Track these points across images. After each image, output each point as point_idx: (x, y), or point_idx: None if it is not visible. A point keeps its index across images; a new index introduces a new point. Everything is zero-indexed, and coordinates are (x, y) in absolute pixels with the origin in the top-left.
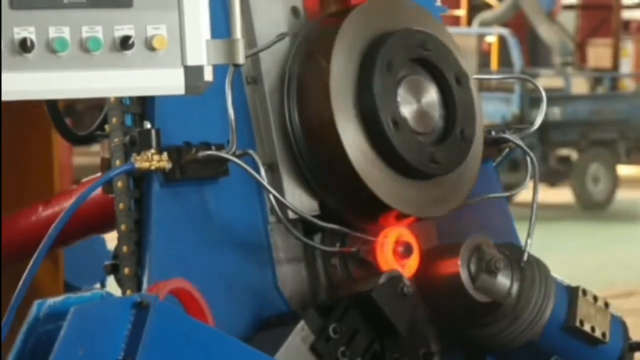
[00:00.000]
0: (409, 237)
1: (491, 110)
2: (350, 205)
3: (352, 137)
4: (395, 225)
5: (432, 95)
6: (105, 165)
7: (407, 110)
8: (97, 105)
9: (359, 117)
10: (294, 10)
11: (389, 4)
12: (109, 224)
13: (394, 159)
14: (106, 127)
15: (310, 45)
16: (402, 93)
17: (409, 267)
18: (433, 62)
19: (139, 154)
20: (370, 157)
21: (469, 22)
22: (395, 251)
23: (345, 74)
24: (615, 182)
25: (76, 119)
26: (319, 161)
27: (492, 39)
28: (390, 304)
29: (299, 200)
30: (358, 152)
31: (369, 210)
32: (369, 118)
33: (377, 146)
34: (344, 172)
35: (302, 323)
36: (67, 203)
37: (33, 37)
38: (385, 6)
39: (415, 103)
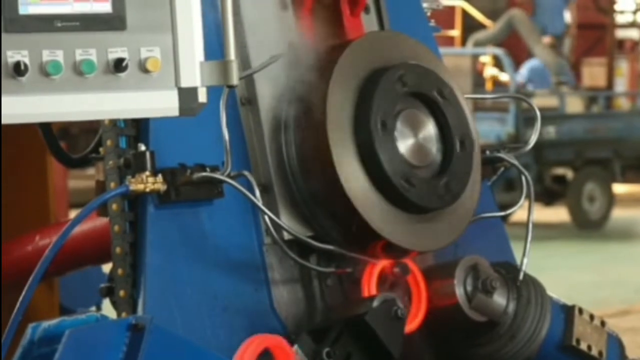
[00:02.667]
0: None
1: (486, 130)
2: (344, 238)
3: (350, 173)
4: (396, 258)
5: (429, 129)
6: (100, 188)
7: (404, 144)
8: (91, 128)
9: (357, 153)
10: (291, 44)
11: (386, 38)
12: (105, 257)
13: (396, 197)
14: (101, 149)
15: (308, 79)
16: (399, 127)
17: (415, 318)
18: (445, 116)
19: (133, 176)
20: (370, 193)
21: (463, 43)
22: (391, 271)
23: (343, 109)
24: (611, 200)
25: (71, 142)
26: (314, 194)
27: (486, 59)
28: (384, 327)
29: (294, 221)
30: (357, 188)
31: (365, 244)
32: (368, 155)
33: (376, 183)
34: (343, 207)
35: (295, 347)
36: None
37: (27, 60)
38: (383, 41)
39: (412, 137)
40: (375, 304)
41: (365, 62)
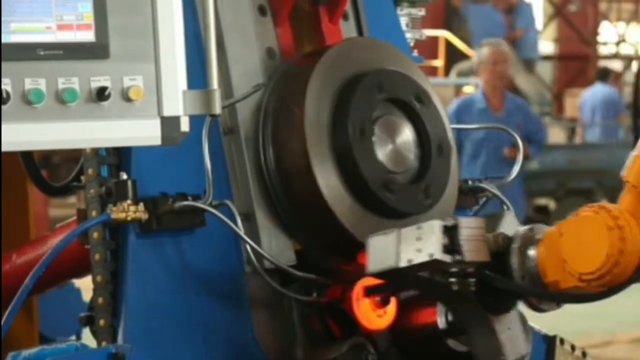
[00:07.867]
0: None
1: None
2: (328, 247)
3: (328, 179)
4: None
5: (407, 135)
6: (82, 216)
7: (382, 150)
8: (73, 157)
9: (335, 159)
10: (269, 51)
11: (364, 44)
12: (81, 270)
13: (375, 203)
14: (82, 178)
15: (285, 88)
16: (377, 133)
17: (387, 316)
18: (422, 121)
19: (115, 204)
20: (346, 197)
21: (447, 73)
22: (372, 299)
23: (319, 116)
24: None
25: (52, 171)
26: (296, 204)
27: (469, 89)
28: None
29: (275, 250)
30: (334, 192)
31: (346, 251)
32: (346, 163)
33: (355, 190)
34: (321, 214)
35: None
36: (41, 250)
37: (9, 88)
38: (361, 47)
39: (391, 143)
40: (344, 349)
41: (343, 68)
